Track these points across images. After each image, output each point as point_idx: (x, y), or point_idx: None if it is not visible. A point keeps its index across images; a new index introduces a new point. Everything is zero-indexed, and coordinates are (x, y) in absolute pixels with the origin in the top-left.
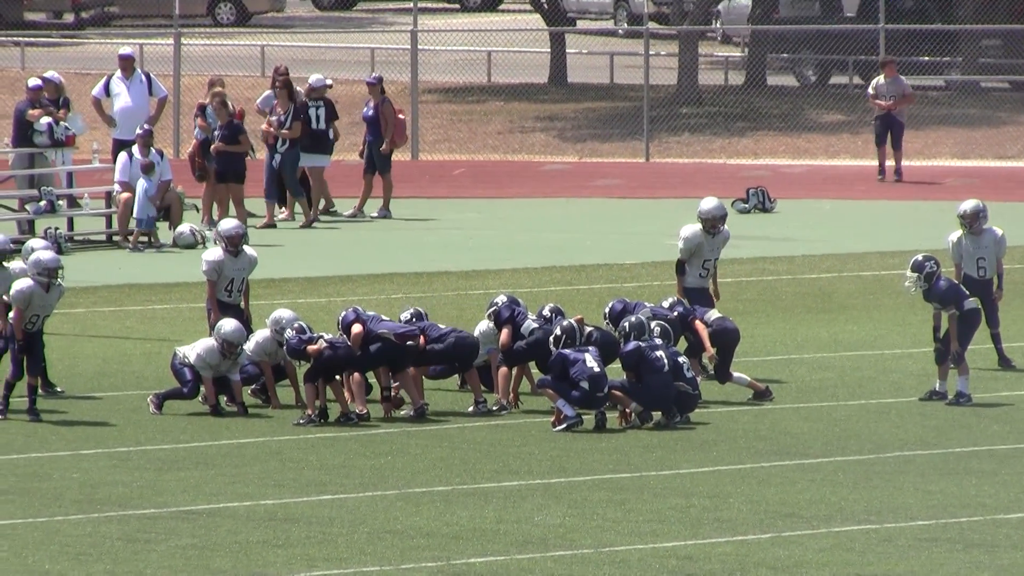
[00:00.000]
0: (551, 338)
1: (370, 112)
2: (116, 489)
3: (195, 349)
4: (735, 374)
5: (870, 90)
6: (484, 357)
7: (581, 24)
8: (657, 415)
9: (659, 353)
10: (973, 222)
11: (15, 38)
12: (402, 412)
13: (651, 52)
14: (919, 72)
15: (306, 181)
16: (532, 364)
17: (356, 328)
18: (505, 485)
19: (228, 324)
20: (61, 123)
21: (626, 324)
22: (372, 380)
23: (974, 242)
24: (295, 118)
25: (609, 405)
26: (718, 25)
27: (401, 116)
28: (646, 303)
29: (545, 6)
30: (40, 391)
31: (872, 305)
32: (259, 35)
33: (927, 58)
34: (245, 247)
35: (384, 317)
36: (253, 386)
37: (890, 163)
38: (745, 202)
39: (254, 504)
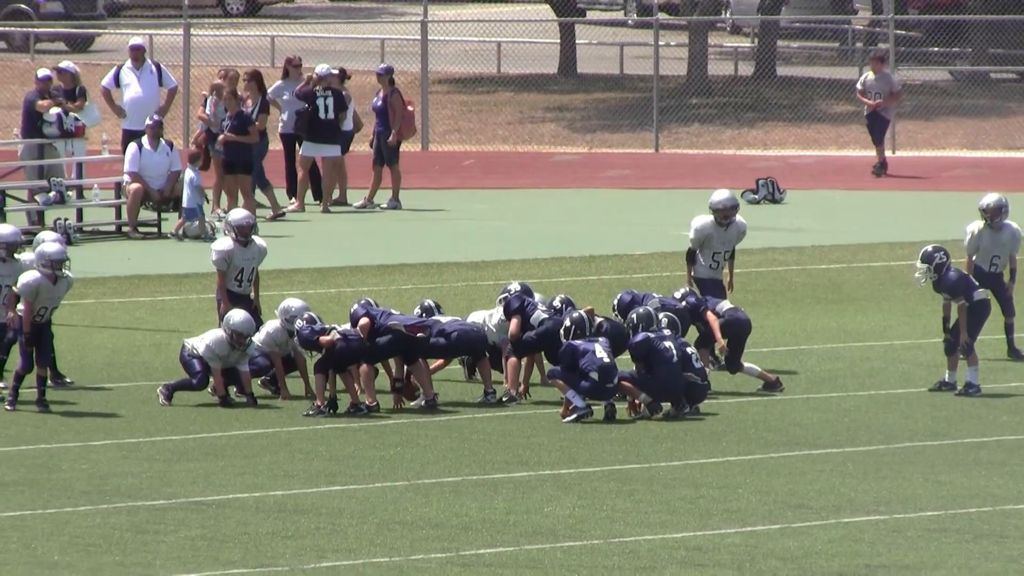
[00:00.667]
0: (561, 329)
1: (379, 103)
2: (125, 480)
3: (204, 340)
4: (746, 365)
5: (858, 86)
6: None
7: (591, 15)
8: (666, 406)
9: (668, 344)
10: (995, 216)
11: (25, 28)
12: (412, 404)
13: (661, 43)
14: (928, 63)
15: (316, 172)
16: (543, 355)
17: (363, 320)
18: (515, 476)
19: (237, 315)
20: (71, 114)
21: (634, 315)
22: (382, 371)
23: (993, 237)
24: (262, 110)
25: (619, 396)
26: (728, 15)
27: (411, 108)
28: (655, 294)
29: None
30: (49, 382)
31: (882, 296)
32: (269, 25)
33: (936, 49)
34: (255, 237)
35: (394, 311)
36: (263, 377)
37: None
38: (755, 193)
39: (263, 495)
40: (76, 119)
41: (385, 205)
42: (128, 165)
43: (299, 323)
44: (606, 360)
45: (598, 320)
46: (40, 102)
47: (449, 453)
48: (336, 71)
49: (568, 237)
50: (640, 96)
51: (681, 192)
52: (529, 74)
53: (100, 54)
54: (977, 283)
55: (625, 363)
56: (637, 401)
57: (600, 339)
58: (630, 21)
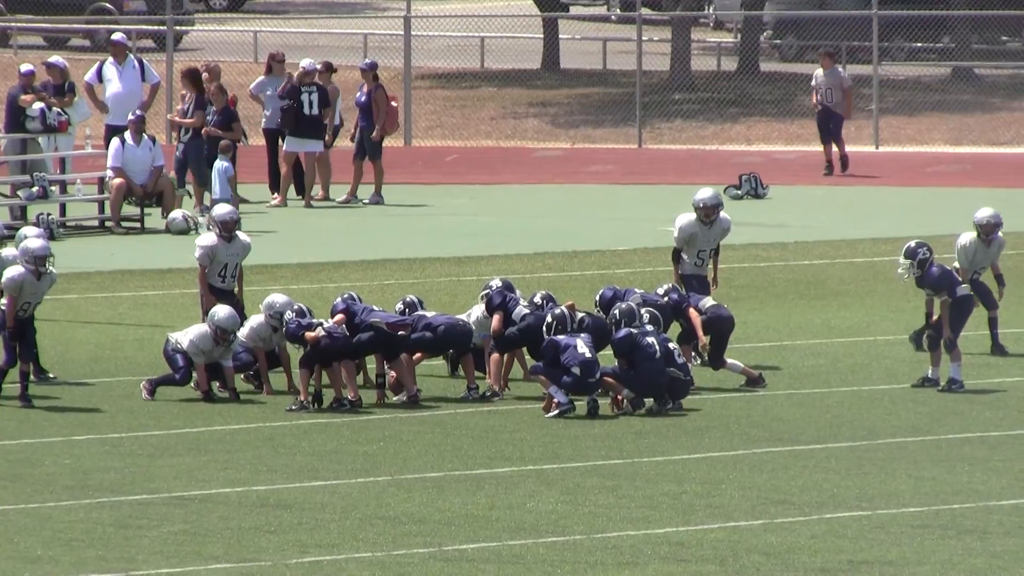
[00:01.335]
0: (544, 325)
1: (363, 98)
2: (108, 475)
3: (188, 335)
4: (729, 361)
5: (812, 82)
6: (478, 341)
7: (574, 10)
8: (649, 402)
9: (651, 340)
10: (991, 232)
11: (9, 24)
12: (396, 399)
13: (644, 38)
14: (912, 58)
15: (300, 167)
16: (525, 350)
17: (339, 316)
18: (497, 471)
19: (221, 311)
20: (54, 108)
21: (616, 311)
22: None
23: (984, 252)
24: (198, 107)
25: (601, 392)
26: (711, 11)
27: (394, 103)
28: (636, 289)
29: None
30: (32, 377)
31: (865, 291)
32: (252, 21)
33: (920, 44)
34: (239, 233)
35: (376, 307)
36: (247, 372)
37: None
38: (738, 188)
39: (246, 490)
40: (59, 114)
41: (368, 200)
42: (111, 160)
43: (288, 314)
44: (588, 355)
45: (580, 315)
46: (23, 97)
47: (432, 448)
48: (319, 66)
49: (551, 232)
50: (623, 91)
51: (664, 188)
52: (512, 69)
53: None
54: (960, 279)
55: (607, 358)
56: (620, 397)
57: (582, 335)
58: (613, 16)
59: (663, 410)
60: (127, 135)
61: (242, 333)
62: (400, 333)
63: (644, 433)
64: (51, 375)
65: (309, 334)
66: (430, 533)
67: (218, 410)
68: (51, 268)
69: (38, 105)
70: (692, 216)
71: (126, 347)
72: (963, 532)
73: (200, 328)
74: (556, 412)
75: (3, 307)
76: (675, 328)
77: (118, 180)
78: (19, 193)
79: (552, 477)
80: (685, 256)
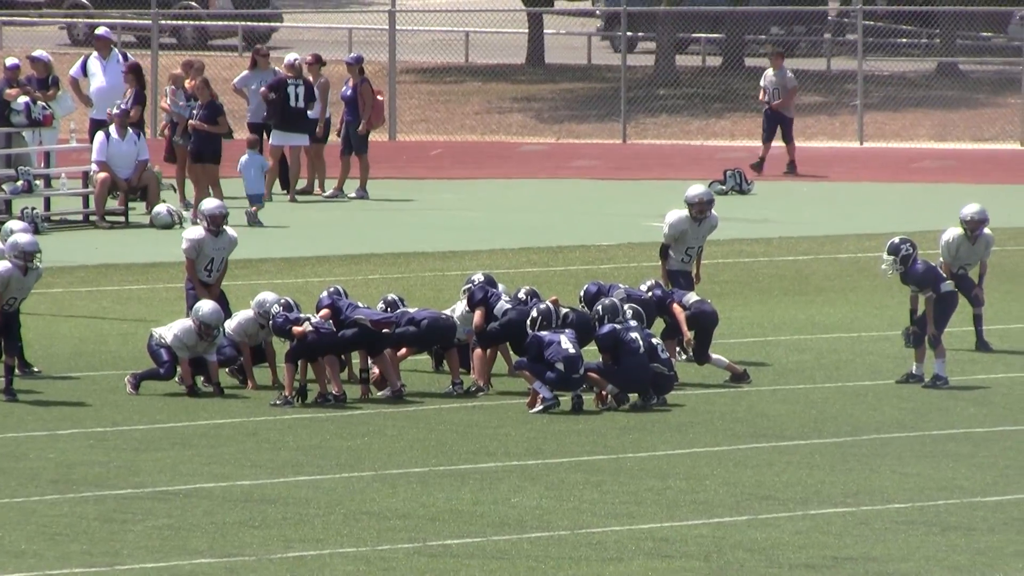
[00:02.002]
0: (528, 320)
1: (348, 92)
2: (92, 469)
3: (172, 330)
4: (713, 356)
5: (762, 82)
6: (462, 336)
7: (559, 5)
8: (633, 397)
9: (634, 335)
10: (976, 228)
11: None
12: (380, 394)
13: (628, 33)
14: (897, 54)
15: (284, 161)
16: (509, 346)
17: (324, 311)
18: (482, 467)
19: (206, 306)
20: (39, 102)
21: (600, 307)
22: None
23: (969, 248)
24: (137, 102)
25: (586, 387)
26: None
27: (380, 97)
28: (620, 285)
29: None
30: (17, 371)
31: (849, 287)
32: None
33: (905, 40)
34: (226, 227)
35: (360, 304)
36: (231, 366)
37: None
38: (723, 184)
39: (230, 485)
40: (44, 108)
41: (352, 195)
42: (96, 154)
43: (275, 308)
44: (572, 351)
45: (564, 311)
46: (8, 91)
47: (416, 443)
48: (309, 58)
49: (535, 227)
50: (608, 86)
51: (649, 183)
52: (497, 64)
53: (68, 41)
54: (944, 275)
55: (591, 354)
56: (604, 392)
57: (566, 330)
58: (598, 11)
59: (647, 405)
60: (111, 129)
61: (229, 327)
62: (384, 331)
63: (628, 429)
64: (35, 369)
65: (296, 328)
66: (414, 528)
67: (202, 405)
68: (39, 264)
69: (23, 99)
70: (683, 213)
71: (110, 341)
72: (947, 528)
73: (184, 323)
74: (540, 407)
75: None
76: (659, 324)
77: (102, 174)
78: (3, 187)
79: (536, 472)
80: (672, 252)
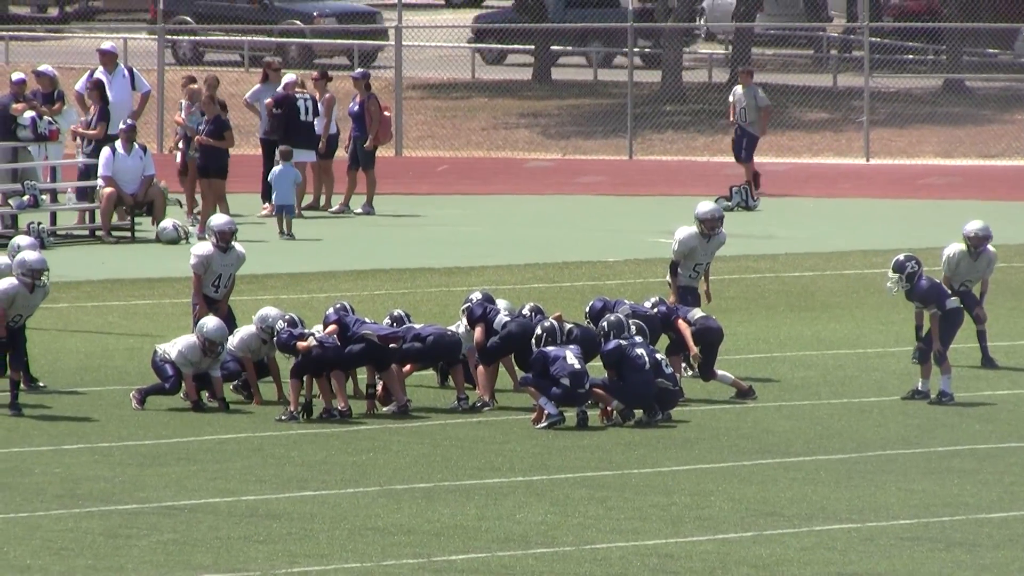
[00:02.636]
0: (533, 337)
1: (355, 108)
2: (98, 484)
3: (176, 346)
4: (719, 372)
5: (731, 98)
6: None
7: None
8: (639, 413)
9: (639, 351)
10: (980, 244)
11: None
12: (386, 409)
13: (635, 49)
14: (903, 71)
15: None
16: (514, 361)
17: (332, 327)
18: (487, 482)
19: (210, 322)
20: (44, 117)
21: (605, 323)
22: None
23: (970, 264)
24: (101, 119)
25: (591, 403)
26: (702, 22)
27: (387, 113)
28: (626, 301)
29: (530, 2)
30: (22, 386)
31: (855, 303)
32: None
33: (911, 57)
34: (235, 243)
35: (367, 319)
36: (235, 382)
37: (863, 163)
38: (728, 200)
39: (235, 500)
40: (50, 123)
41: (359, 211)
42: (102, 169)
43: (280, 324)
44: (577, 366)
45: (568, 326)
46: (14, 105)
47: (421, 459)
48: (314, 74)
49: (541, 243)
50: (614, 102)
51: (655, 199)
52: (503, 80)
53: (74, 55)
54: (950, 291)
55: (597, 369)
56: (609, 408)
57: (571, 346)
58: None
59: (652, 421)
60: (118, 144)
61: (231, 342)
62: (392, 346)
63: (633, 444)
64: (41, 384)
65: (301, 343)
66: (419, 544)
67: (208, 420)
68: (46, 281)
69: (29, 114)
70: (693, 229)
71: (116, 356)
72: (952, 544)
73: (188, 339)
74: (546, 423)
75: None
76: (663, 340)
77: (108, 189)
78: (10, 202)
79: (541, 488)
80: (681, 269)
